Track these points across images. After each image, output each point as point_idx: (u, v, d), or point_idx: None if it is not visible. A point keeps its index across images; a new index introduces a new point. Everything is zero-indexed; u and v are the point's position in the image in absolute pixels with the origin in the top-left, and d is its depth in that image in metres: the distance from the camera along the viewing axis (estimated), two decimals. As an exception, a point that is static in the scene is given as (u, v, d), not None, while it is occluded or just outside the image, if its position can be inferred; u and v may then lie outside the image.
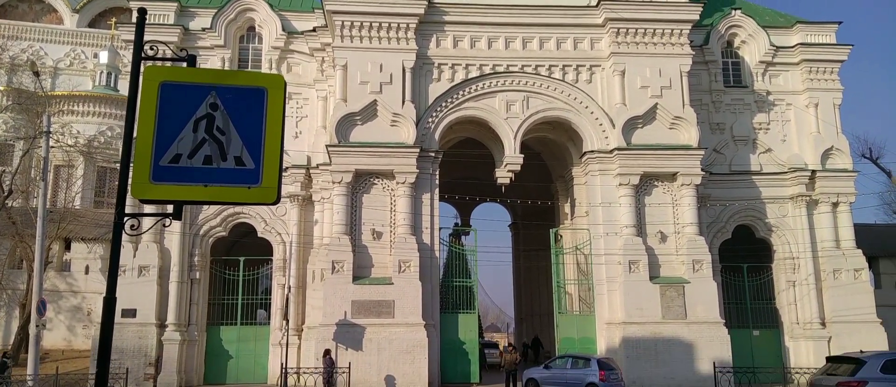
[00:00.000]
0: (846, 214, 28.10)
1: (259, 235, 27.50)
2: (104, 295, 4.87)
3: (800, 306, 27.50)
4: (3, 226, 29.55)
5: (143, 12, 5.32)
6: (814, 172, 27.87)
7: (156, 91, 4.82)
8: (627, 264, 24.97)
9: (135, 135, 5.19)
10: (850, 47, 29.48)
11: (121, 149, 27.80)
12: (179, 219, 5.03)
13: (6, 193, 28.87)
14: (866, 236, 30.54)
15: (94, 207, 39.77)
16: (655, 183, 26.25)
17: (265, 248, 27.68)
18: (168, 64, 5.19)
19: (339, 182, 24.87)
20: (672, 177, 26.10)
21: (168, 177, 4.75)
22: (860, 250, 27.81)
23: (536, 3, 26.68)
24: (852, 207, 28.28)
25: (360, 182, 25.39)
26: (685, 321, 24.64)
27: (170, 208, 5.10)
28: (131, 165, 4.76)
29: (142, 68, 5.28)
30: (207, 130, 4.83)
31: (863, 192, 31.61)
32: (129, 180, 4.76)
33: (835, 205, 28.00)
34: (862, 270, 27.57)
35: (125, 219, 4.98)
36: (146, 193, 4.68)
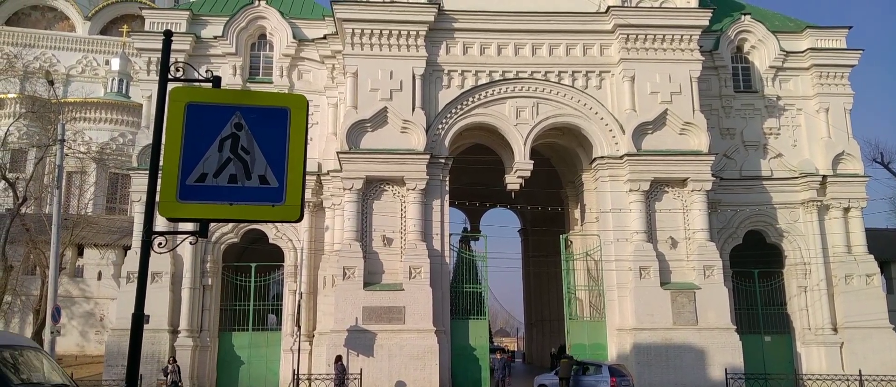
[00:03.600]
0: (858, 219, 28.00)
1: (270, 241, 27.65)
2: (133, 312, 4.99)
3: (811, 311, 27.40)
4: (18, 233, 29.85)
5: (168, 34, 5.45)
6: (825, 177, 27.79)
7: (182, 112, 4.95)
8: (638, 270, 24.95)
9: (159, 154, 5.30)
10: (861, 52, 29.41)
11: (134, 157, 27.89)
12: (205, 237, 5.14)
13: (21, 200, 29.16)
14: (878, 241, 30.43)
15: (106, 213, 40.14)
16: (666, 189, 26.24)
17: (276, 254, 27.83)
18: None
19: (350, 189, 25.00)
20: (682, 182, 26.08)
21: (194, 196, 4.88)
22: (872, 256, 27.69)
23: (545, 10, 26.75)
24: (863, 212, 28.19)
25: (371, 188, 25.51)
26: (696, 327, 24.59)
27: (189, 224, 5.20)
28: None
29: (164, 89, 5.40)
30: (232, 150, 4.96)
31: (874, 197, 31.43)
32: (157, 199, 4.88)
33: (846, 210, 27.91)
34: (874, 276, 27.44)
35: (153, 237, 5.09)
36: (174, 212, 4.81)
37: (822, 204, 27.87)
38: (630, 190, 25.72)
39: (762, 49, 29.27)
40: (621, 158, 25.89)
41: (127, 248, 29.64)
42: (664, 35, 26.69)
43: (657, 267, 25.02)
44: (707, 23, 27.14)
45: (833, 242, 27.67)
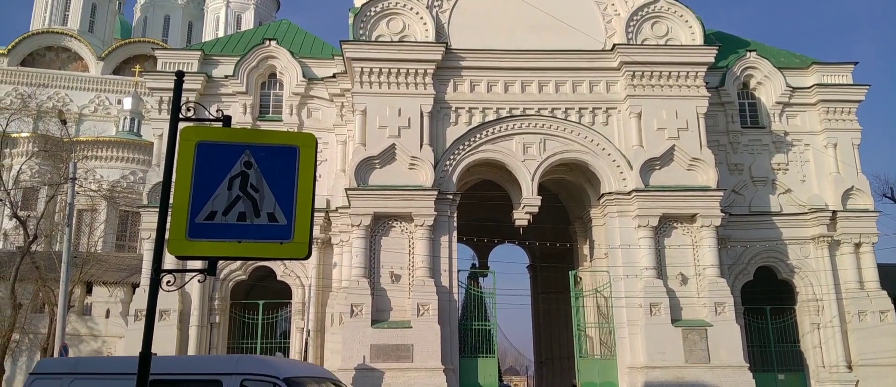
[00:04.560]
0: (869, 254, 27.74)
1: (278, 278, 27.61)
2: (140, 351, 4.98)
3: (825, 349, 26.98)
4: (28, 270, 29.93)
5: (180, 75, 5.55)
6: (834, 212, 27.62)
7: (193, 151, 5.01)
8: (648, 307, 24.71)
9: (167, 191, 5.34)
10: (867, 87, 29.49)
11: (145, 195, 28.07)
12: (213, 274, 5.16)
13: (31, 238, 29.32)
14: (890, 277, 30.04)
15: (115, 250, 40.27)
16: (675, 225, 26.12)
17: (284, 291, 27.75)
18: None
19: (358, 225, 25.02)
20: (691, 218, 25.97)
21: (204, 234, 4.90)
22: (885, 292, 27.34)
23: (551, 48, 27.04)
24: (875, 248, 27.93)
25: (379, 225, 25.52)
26: (708, 365, 24.22)
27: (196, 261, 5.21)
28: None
29: (172, 127, 5.47)
30: (242, 188, 5.01)
31: (885, 232, 31.11)
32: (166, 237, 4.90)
33: (857, 245, 27.67)
34: (888, 312, 27.03)
35: (162, 274, 5.11)
36: (183, 250, 4.83)
37: (832, 240, 27.65)
38: (639, 226, 25.61)
39: (768, 85, 29.39)
40: (629, 193, 25.85)
41: (135, 285, 29.64)
42: (670, 72, 26.88)
43: (668, 304, 24.77)
44: (712, 60, 27.33)
45: (845, 279, 27.38)
